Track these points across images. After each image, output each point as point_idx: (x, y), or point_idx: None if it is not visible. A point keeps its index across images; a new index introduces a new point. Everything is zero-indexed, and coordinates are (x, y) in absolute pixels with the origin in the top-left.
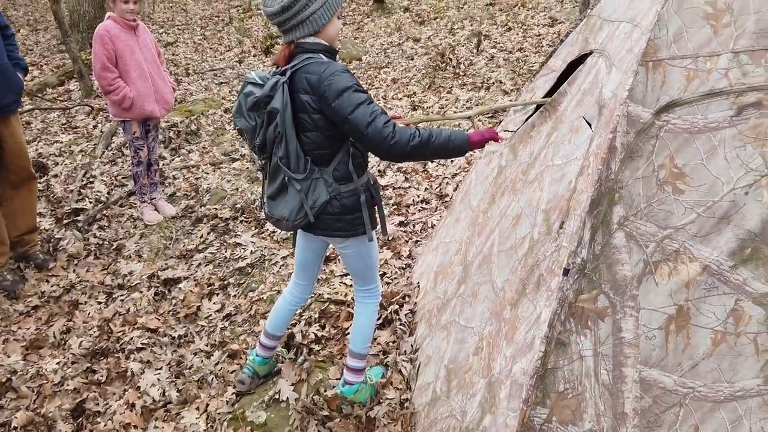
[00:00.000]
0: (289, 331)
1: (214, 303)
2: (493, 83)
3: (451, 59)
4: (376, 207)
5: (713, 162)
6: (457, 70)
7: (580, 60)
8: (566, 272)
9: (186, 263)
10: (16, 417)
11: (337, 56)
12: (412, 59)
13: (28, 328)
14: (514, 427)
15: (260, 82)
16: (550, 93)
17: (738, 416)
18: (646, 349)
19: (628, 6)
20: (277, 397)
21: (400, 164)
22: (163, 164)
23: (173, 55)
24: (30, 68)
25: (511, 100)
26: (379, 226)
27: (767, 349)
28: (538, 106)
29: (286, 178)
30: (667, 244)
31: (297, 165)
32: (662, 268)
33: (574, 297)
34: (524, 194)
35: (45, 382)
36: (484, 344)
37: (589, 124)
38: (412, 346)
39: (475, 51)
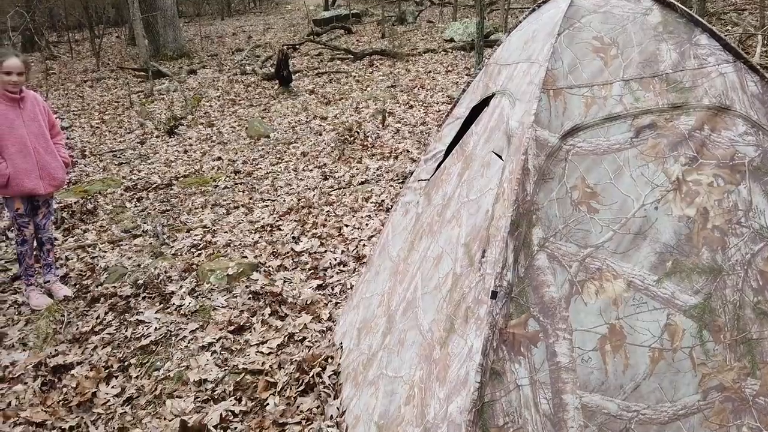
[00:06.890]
0: (199, 414)
1: (112, 387)
2: (401, 152)
3: (358, 133)
4: None
5: (621, 181)
6: (365, 143)
7: (483, 104)
8: (494, 295)
9: (80, 347)
10: None
11: None
12: (320, 135)
13: None
14: None
15: None
16: (456, 138)
17: None
18: (584, 372)
19: (522, 49)
20: None
21: (314, 230)
22: (55, 246)
23: (68, 138)
24: None
25: None
26: None
27: (703, 362)
28: (447, 152)
29: None
30: (589, 263)
31: None
32: (588, 287)
33: (504, 322)
34: (443, 234)
35: None
36: (415, 391)
37: (499, 156)
38: (338, 409)
39: (380, 126)
